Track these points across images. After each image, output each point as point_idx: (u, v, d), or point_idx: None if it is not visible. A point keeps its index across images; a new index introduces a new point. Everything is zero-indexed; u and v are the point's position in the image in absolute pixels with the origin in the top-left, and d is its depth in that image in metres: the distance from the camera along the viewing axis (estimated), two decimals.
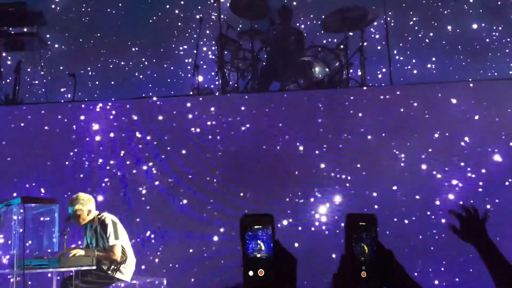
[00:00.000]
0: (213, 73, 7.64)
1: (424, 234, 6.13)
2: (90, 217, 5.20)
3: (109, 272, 5.15)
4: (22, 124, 6.88)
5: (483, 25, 8.94)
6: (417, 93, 6.61)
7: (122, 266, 5.21)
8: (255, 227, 1.27)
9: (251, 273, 1.25)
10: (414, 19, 9.31)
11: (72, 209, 5.12)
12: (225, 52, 7.45)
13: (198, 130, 6.68)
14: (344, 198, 6.30)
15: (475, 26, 8.93)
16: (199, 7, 8.54)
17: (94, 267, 4.79)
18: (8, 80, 7.85)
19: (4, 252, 5.90)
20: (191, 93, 7.37)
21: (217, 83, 7.41)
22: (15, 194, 6.15)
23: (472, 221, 1.78)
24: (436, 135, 6.36)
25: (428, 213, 6.19)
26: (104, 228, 5.11)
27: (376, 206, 6.09)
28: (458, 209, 1.83)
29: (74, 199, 5.17)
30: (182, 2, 9.38)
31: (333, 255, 5.91)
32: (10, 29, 7.94)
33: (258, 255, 1.26)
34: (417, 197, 6.23)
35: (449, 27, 9.07)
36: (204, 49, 8.40)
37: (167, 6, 9.37)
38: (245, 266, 1.26)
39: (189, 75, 8.04)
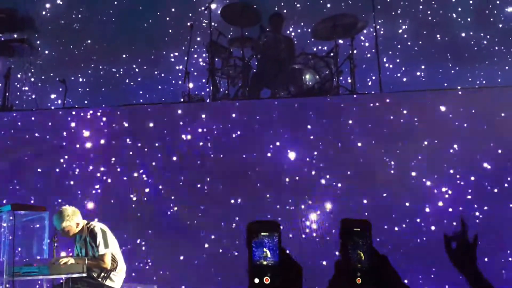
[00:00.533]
0: (204, 80, 7.65)
1: (414, 241, 6.17)
2: (78, 229, 5.16)
3: (99, 279, 5.12)
4: (12, 131, 6.84)
5: (471, 33, 9.04)
6: (407, 100, 6.67)
7: (113, 273, 5.18)
8: (262, 234, 1.26)
9: (257, 280, 1.25)
10: (404, 27, 9.39)
11: (60, 227, 5.03)
12: (216, 59, 7.47)
13: (189, 137, 6.69)
14: (335, 205, 6.32)
15: (463, 34, 9.02)
16: (190, 14, 8.56)
17: (84, 275, 4.76)
18: None
19: None
20: (182, 100, 7.37)
21: (208, 90, 7.42)
22: (4, 201, 6.10)
23: (469, 247, 1.74)
24: (426, 143, 6.41)
25: (418, 220, 6.22)
26: (94, 237, 5.07)
27: (366, 213, 6.12)
28: (459, 228, 1.80)
29: (60, 216, 5.03)
30: (173, 9, 9.40)
31: (324, 262, 5.93)
32: (0, 35, 7.92)
33: (264, 263, 1.25)
34: (407, 204, 6.26)
35: (438, 35, 9.15)
36: (195, 56, 8.41)
37: (158, 13, 9.38)
38: (251, 273, 1.25)
39: (180, 82, 8.04)
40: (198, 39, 8.09)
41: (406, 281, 1.40)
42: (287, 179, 6.47)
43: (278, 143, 6.59)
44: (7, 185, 6.61)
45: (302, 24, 9.10)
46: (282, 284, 1.25)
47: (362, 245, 1.32)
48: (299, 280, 1.29)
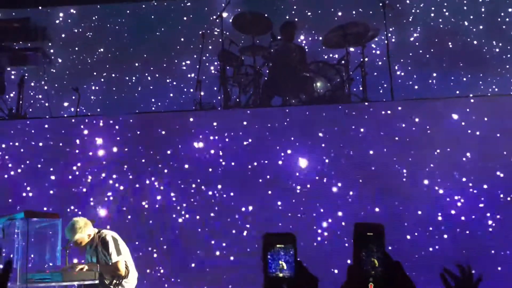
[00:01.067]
0: (215, 88, 7.68)
1: (426, 250, 6.13)
2: (90, 238, 5.20)
3: (112, 286, 5.14)
4: (26, 138, 6.91)
5: (483, 41, 9.00)
6: (418, 108, 6.65)
7: (124, 281, 5.20)
8: (277, 246, 1.25)
9: None
10: (415, 35, 9.37)
11: (73, 239, 5.08)
12: (227, 68, 7.50)
13: (200, 144, 6.71)
14: (346, 213, 6.30)
15: (475, 42, 8.98)
16: (202, 23, 8.60)
17: (96, 282, 4.79)
18: (11, 95, 7.90)
19: None
20: (193, 108, 7.40)
21: (219, 98, 7.44)
22: (18, 208, 6.15)
23: (466, 283, 1.67)
24: (438, 151, 6.38)
25: (431, 228, 6.19)
26: (105, 246, 5.10)
27: (378, 222, 6.08)
28: (454, 268, 1.76)
29: (72, 228, 5.08)
30: (185, 18, 9.46)
31: (335, 271, 5.91)
32: (14, 44, 8.01)
33: (280, 275, 1.24)
34: (419, 212, 6.23)
35: (450, 43, 9.12)
36: (207, 64, 8.45)
37: (170, 22, 9.44)
38: (266, 286, 1.24)
39: (191, 90, 8.08)
40: (210, 47, 8.13)
41: None
42: (298, 187, 6.46)
43: (289, 151, 6.59)
44: (21, 192, 6.66)
45: (313, 32, 9.12)
46: None
47: (376, 250, 1.31)
48: None
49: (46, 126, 7.01)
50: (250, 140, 6.68)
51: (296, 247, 1.26)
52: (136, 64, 9.50)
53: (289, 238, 1.27)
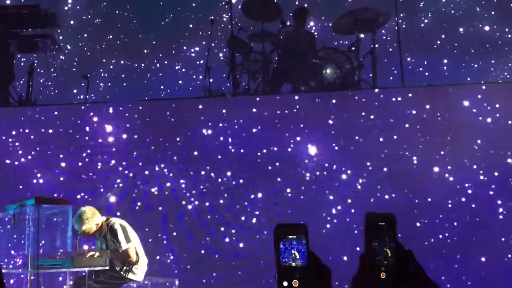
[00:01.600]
0: (224, 75, 7.66)
1: (436, 237, 6.11)
2: (98, 226, 5.24)
3: (122, 272, 5.19)
4: (36, 125, 6.94)
5: (495, 27, 8.89)
6: (429, 95, 6.59)
7: (135, 267, 5.24)
8: (289, 237, 1.26)
9: (285, 283, 1.23)
10: (426, 21, 9.28)
11: (81, 230, 5.13)
12: (237, 54, 7.47)
13: (210, 131, 6.70)
14: (356, 200, 6.29)
15: (487, 28, 8.88)
16: (211, 9, 8.56)
17: (107, 268, 4.83)
18: (21, 82, 7.92)
19: (18, 252, 5.95)
20: (202, 95, 7.39)
21: (228, 85, 7.42)
22: (28, 195, 6.20)
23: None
24: (448, 138, 6.33)
25: (441, 216, 6.16)
26: (114, 234, 5.14)
27: (387, 209, 6.07)
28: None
29: (79, 219, 5.12)
30: (193, 4, 9.42)
31: (345, 258, 5.91)
32: (24, 31, 8.01)
33: (293, 264, 1.24)
34: (429, 199, 6.21)
35: (461, 29, 9.03)
36: (216, 51, 8.42)
37: (179, 8, 9.41)
38: (279, 277, 1.24)
39: (200, 77, 8.06)
40: (219, 34, 8.09)
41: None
42: (307, 174, 6.45)
43: (298, 138, 6.57)
44: (31, 179, 6.71)
45: (323, 18, 9.05)
46: (311, 287, 1.23)
47: (387, 240, 1.30)
48: (328, 282, 1.27)
49: (56, 113, 7.03)
50: (259, 127, 6.67)
51: (308, 237, 1.26)
52: (145, 51, 9.50)
53: (301, 229, 1.28)
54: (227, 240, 6.40)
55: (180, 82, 9.34)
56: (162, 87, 9.33)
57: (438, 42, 9.11)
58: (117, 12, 9.57)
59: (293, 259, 1.24)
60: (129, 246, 5.15)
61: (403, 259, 1.31)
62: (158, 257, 6.32)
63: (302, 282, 1.23)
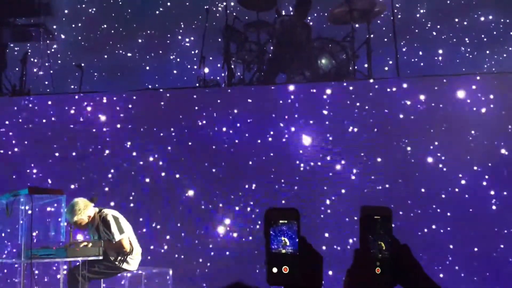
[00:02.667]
0: (219, 65, 7.62)
1: (429, 228, 6.13)
2: (90, 219, 5.23)
3: (116, 262, 5.19)
4: (29, 115, 6.91)
5: (490, 17, 8.87)
6: (424, 85, 6.59)
7: (129, 257, 5.25)
8: (280, 222, 1.21)
9: (275, 270, 1.19)
10: (421, 11, 9.25)
11: (72, 221, 5.11)
12: (231, 44, 7.43)
13: (204, 122, 6.69)
14: (350, 191, 6.30)
15: (482, 18, 8.86)
16: None
17: (100, 258, 4.82)
18: (15, 71, 7.86)
19: (11, 242, 5.94)
20: (197, 85, 7.36)
21: (223, 75, 7.40)
22: (21, 184, 6.17)
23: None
24: (443, 128, 6.34)
25: (434, 206, 6.18)
26: (107, 225, 5.14)
27: (381, 199, 6.09)
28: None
29: (71, 210, 5.11)
30: None
31: (338, 248, 5.93)
32: (17, 19, 7.95)
33: (283, 251, 1.20)
34: (423, 190, 6.22)
35: (457, 19, 9.00)
36: (210, 41, 8.37)
37: None
38: (269, 263, 1.19)
39: (195, 67, 8.02)
40: (214, 23, 8.04)
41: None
42: (302, 165, 6.45)
43: (293, 129, 6.57)
44: (24, 169, 6.68)
45: (318, 8, 9.01)
46: (301, 273, 1.19)
47: (383, 234, 1.27)
48: (320, 269, 1.24)
49: (50, 102, 7.00)
50: (253, 118, 6.66)
51: (299, 223, 1.22)
52: (140, 41, 9.44)
53: (292, 213, 1.22)
54: (220, 230, 6.41)
55: (175, 72, 9.30)
56: (156, 77, 9.29)
57: (434, 32, 9.09)
58: (111, 1, 9.50)
59: (283, 245, 1.21)
60: (122, 237, 5.15)
61: (399, 254, 1.29)
62: (152, 247, 6.32)
63: (293, 269, 1.19)
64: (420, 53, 9.05)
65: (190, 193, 6.53)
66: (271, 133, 6.58)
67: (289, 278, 1.19)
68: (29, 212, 4.67)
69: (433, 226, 6.15)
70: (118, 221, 5.20)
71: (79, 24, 9.39)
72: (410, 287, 1.29)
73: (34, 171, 6.70)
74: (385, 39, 8.12)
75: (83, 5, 9.44)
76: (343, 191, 6.33)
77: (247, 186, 6.48)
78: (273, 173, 6.46)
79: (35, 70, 7.86)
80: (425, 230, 6.11)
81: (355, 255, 1.28)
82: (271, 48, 7.57)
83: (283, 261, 1.19)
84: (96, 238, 5.21)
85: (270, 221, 1.21)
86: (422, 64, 8.90)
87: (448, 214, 6.15)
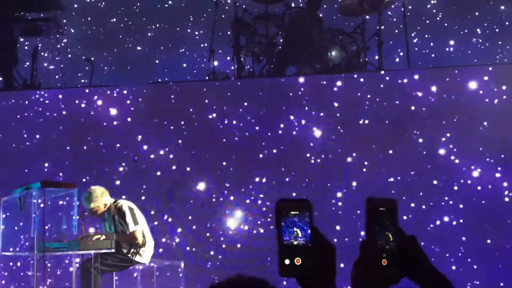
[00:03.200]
0: (228, 58, 7.61)
1: (441, 220, 6.10)
2: (106, 208, 5.26)
3: (129, 255, 5.21)
4: (40, 109, 6.94)
5: (503, 7, 8.77)
6: (436, 77, 6.53)
7: (142, 249, 5.27)
8: (292, 213, 1.19)
9: (287, 261, 1.17)
10: (432, 1, 9.16)
11: (88, 208, 5.16)
12: (241, 37, 7.41)
13: (214, 115, 6.68)
14: (361, 183, 6.27)
15: (494, 9, 8.76)
16: None
17: (113, 250, 4.85)
18: (25, 65, 7.90)
19: (24, 235, 5.99)
20: (207, 78, 7.36)
21: (232, 68, 7.38)
22: (34, 178, 6.20)
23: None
24: (455, 120, 6.29)
25: (446, 198, 6.14)
26: (122, 215, 5.17)
27: (393, 191, 6.07)
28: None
29: (88, 197, 5.16)
30: None
31: (346, 239, 5.92)
32: (27, 14, 7.98)
33: (295, 243, 1.18)
34: (435, 182, 6.18)
35: (468, 10, 8.91)
36: (220, 33, 8.35)
37: None
38: (280, 254, 1.17)
39: (204, 60, 8.01)
40: (223, 16, 8.02)
41: (433, 259, 1.34)
42: (312, 157, 6.43)
43: (303, 121, 6.54)
44: (36, 162, 6.72)
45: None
46: (314, 264, 1.17)
47: (389, 225, 1.26)
48: (332, 260, 1.22)
49: (60, 96, 7.02)
50: (264, 110, 6.64)
51: (312, 213, 1.20)
52: (149, 34, 9.44)
53: (304, 204, 1.20)
54: (231, 223, 6.41)
55: (184, 65, 9.29)
56: (166, 70, 9.28)
57: (445, 23, 9.00)
58: None
59: (295, 237, 1.19)
60: (136, 228, 5.17)
61: (406, 245, 1.28)
62: (163, 240, 6.34)
63: (305, 260, 1.17)
64: (432, 44, 8.97)
65: (201, 186, 6.54)
66: (281, 125, 6.56)
67: (301, 270, 1.17)
68: (42, 205, 4.69)
69: (445, 218, 6.11)
70: (133, 212, 5.23)
71: (89, 18, 9.40)
72: (417, 279, 1.28)
73: (46, 164, 6.74)
74: (396, 30, 8.05)
75: (93, 0, 9.45)
76: (354, 183, 6.30)
77: (257, 179, 6.47)
78: (284, 166, 6.44)
79: (45, 64, 7.88)
80: (437, 222, 6.08)
81: (361, 247, 1.27)
82: (281, 40, 7.54)
83: (295, 253, 1.18)
84: (111, 228, 5.24)
85: (281, 212, 1.19)
86: (433, 55, 8.82)
87: (461, 206, 6.11)
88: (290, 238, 1.18)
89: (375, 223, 1.25)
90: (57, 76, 7.99)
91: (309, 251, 1.18)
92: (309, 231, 1.18)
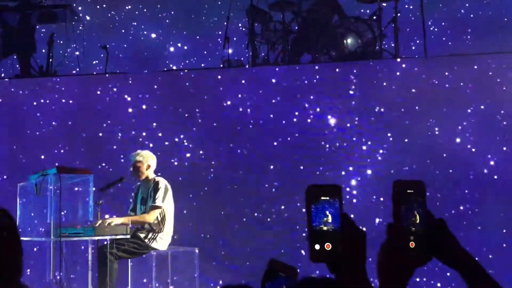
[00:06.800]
0: (243, 45, 7.58)
1: (457, 209, 6.06)
2: (148, 173, 5.33)
3: (146, 240, 5.24)
4: (56, 96, 6.98)
5: None
6: (452, 65, 6.46)
7: (160, 235, 5.29)
8: (322, 198, 1.19)
9: (317, 246, 1.17)
10: None
11: (134, 159, 5.39)
12: (256, 24, 7.38)
13: (229, 102, 6.68)
14: (376, 172, 6.25)
15: None
16: None
17: (128, 236, 4.88)
18: (42, 52, 7.94)
19: (40, 221, 6.06)
20: (221, 65, 7.34)
21: (247, 55, 7.36)
22: (49, 164, 6.26)
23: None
24: (471, 108, 6.22)
25: (462, 187, 6.10)
26: (156, 189, 5.26)
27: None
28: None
29: (136, 152, 5.43)
30: None
31: (364, 228, 5.88)
32: (43, 1, 8.01)
33: (325, 228, 1.18)
34: (450, 171, 6.13)
35: None
36: (235, 20, 8.32)
37: None
38: (310, 239, 1.17)
39: (219, 48, 7.99)
40: (238, 3, 7.98)
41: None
42: (327, 145, 6.41)
43: (318, 109, 6.51)
44: (52, 149, 6.77)
45: None
46: (344, 250, 1.18)
47: (416, 207, 1.24)
48: (363, 246, 1.22)
49: (76, 83, 7.05)
50: (278, 98, 6.62)
51: (341, 199, 1.20)
52: (164, 22, 9.43)
53: (334, 189, 1.21)
54: (247, 210, 6.42)
55: (199, 52, 9.27)
56: (180, 57, 9.28)
57: (462, 11, 8.88)
58: None
59: (325, 222, 1.18)
60: (160, 205, 5.21)
61: (434, 227, 1.26)
62: (178, 227, 6.36)
63: (335, 245, 1.17)
64: (448, 31, 8.85)
65: (216, 173, 6.55)
66: (296, 113, 6.54)
67: (332, 255, 1.17)
68: (58, 191, 4.74)
69: (461, 207, 6.07)
70: (166, 192, 5.30)
71: (104, 5, 9.41)
72: (446, 261, 1.27)
73: (62, 151, 6.79)
74: (413, 18, 7.96)
75: None
76: (369, 171, 6.28)
77: (272, 167, 6.47)
78: (298, 154, 6.43)
79: (61, 51, 7.91)
80: (453, 211, 6.03)
81: (388, 230, 1.26)
82: (296, 27, 7.49)
83: (325, 238, 1.17)
84: (142, 205, 5.31)
85: (311, 198, 1.19)
86: (450, 43, 8.71)
87: (476, 195, 6.06)
88: (320, 224, 1.17)
89: (403, 205, 1.24)
90: (72, 63, 8.02)
91: (339, 236, 1.17)
92: (339, 217, 1.18)
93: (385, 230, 1.26)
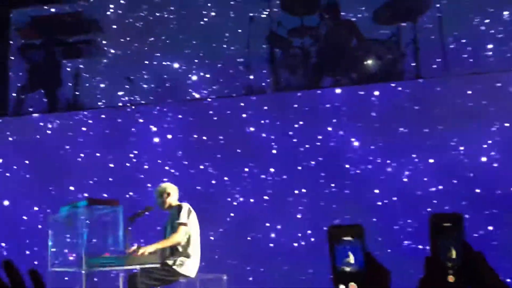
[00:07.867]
0: (264, 72, 7.69)
1: (485, 229, 5.98)
2: (170, 201, 5.44)
3: (174, 267, 5.26)
4: (84, 129, 7.15)
5: None
6: (474, 82, 6.44)
7: (188, 260, 5.31)
8: (344, 239, 1.21)
9: (342, 287, 1.19)
10: (468, 5, 9.03)
11: (155, 196, 5.49)
12: (276, 50, 7.48)
13: (252, 129, 6.75)
14: (401, 194, 6.22)
15: None
16: (250, 6, 8.58)
17: (158, 265, 4.93)
18: (68, 86, 8.15)
19: (71, 251, 6.16)
20: (243, 92, 7.45)
21: (268, 81, 7.45)
22: (80, 196, 6.39)
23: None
24: (496, 126, 6.18)
25: (490, 207, 6.02)
26: (179, 210, 5.30)
27: (434, 201, 5.99)
28: None
29: (163, 185, 5.54)
30: (232, 3, 9.45)
31: (389, 250, 5.86)
32: (68, 37, 8.26)
33: (347, 269, 1.20)
34: (478, 190, 6.08)
35: (506, 13, 8.74)
36: (255, 47, 8.44)
37: (218, 7, 9.46)
38: (335, 281, 1.19)
39: (241, 75, 8.11)
40: (257, 30, 8.11)
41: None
42: (351, 168, 6.42)
43: (341, 132, 6.54)
44: (81, 180, 6.92)
45: (363, 9, 8.93)
46: None
47: (453, 241, 1.26)
48: (387, 285, 1.24)
49: (103, 116, 7.22)
50: (301, 123, 6.67)
51: (364, 239, 1.23)
52: (186, 51, 9.60)
53: (357, 230, 1.22)
54: (272, 236, 6.44)
55: (221, 80, 9.40)
56: (203, 86, 9.42)
57: (482, 27, 8.85)
58: (157, 14, 9.71)
59: (348, 263, 1.20)
60: (185, 222, 5.24)
61: (473, 261, 1.27)
62: (205, 254, 6.40)
63: (360, 286, 1.19)
64: (469, 48, 8.82)
65: (241, 199, 6.60)
66: (319, 137, 6.58)
67: None
68: (88, 222, 4.84)
69: (490, 228, 5.99)
70: (190, 213, 5.34)
71: (128, 38, 9.63)
72: None
73: (90, 182, 6.92)
74: (432, 37, 7.97)
75: (131, 20, 9.68)
76: (394, 193, 6.25)
77: (296, 192, 6.49)
78: (323, 178, 6.45)
79: (87, 85, 8.12)
80: (481, 232, 5.96)
81: (426, 264, 1.27)
82: (316, 52, 7.57)
83: (349, 279, 1.19)
84: (169, 228, 5.37)
85: (334, 239, 1.21)
86: (471, 60, 8.67)
87: (505, 214, 5.98)
88: (343, 264, 1.21)
89: (438, 239, 1.25)
90: (99, 96, 8.22)
91: (363, 276, 1.20)
92: (362, 257, 1.21)
93: (424, 264, 1.27)
